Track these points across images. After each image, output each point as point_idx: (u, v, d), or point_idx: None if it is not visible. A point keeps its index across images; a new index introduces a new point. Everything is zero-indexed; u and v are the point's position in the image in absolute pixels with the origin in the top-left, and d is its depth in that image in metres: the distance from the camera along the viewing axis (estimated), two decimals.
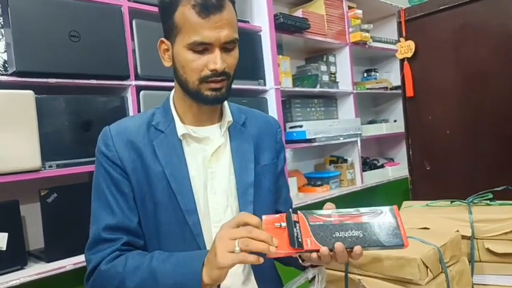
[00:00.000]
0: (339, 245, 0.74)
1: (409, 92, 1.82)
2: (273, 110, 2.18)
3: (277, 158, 1.06)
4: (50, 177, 1.38)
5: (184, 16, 0.85)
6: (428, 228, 1.12)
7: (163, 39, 0.93)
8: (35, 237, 1.50)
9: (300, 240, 0.74)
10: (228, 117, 0.98)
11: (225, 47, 0.88)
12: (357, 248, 0.74)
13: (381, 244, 0.74)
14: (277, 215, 0.78)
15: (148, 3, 1.67)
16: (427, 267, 0.88)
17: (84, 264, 1.23)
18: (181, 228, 0.90)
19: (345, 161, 2.68)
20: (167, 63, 0.94)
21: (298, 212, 0.77)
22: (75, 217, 1.38)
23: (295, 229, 0.75)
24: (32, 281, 1.26)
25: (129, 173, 0.90)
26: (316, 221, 0.76)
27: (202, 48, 0.86)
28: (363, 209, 0.79)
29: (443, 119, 1.73)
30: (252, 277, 0.98)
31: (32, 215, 1.49)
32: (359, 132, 2.64)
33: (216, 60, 0.86)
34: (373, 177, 2.75)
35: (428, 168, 1.77)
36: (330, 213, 0.78)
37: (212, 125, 0.98)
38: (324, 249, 0.74)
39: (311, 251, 0.74)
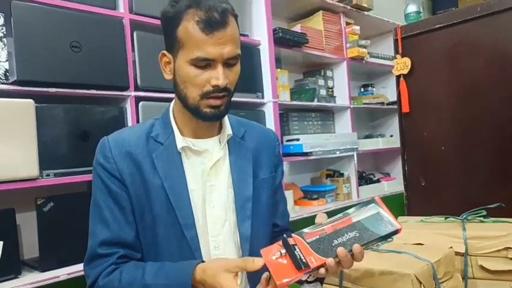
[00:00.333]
0: (340, 251, 0.75)
1: (405, 108, 1.85)
2: (271, 122, 2.19)
3: (276, 172, 1.06)
4: (47, 186, 1.38)
5: (188, 31, 0.85)
6: (422, 244, 1.13)
7: (165, 52, 0.93)
8: (30, 246, 1.50)
9: (304, 260, 0.75)
10: (228, 130, 0.98)
11: (228, 63, 0.88)
12: (356, 247, 0.75)
13: (378, 236, 0.76)
14: (274, 245, 0.79)
15: (149, 15, 1.69)
16: (420, 282, 0.89)
17: (78, 274, 1.23)
18: (179, 243, 0.90)
19: (341, 175, 2.69)
20: (168, 76, 0.93)
21: (293, 235, 0.79)
22: (71, 226, 1.38)
23: (296, 252, 0.75)
24: None
25: (128, 185, 0.90)
26: (311, 237, 0.78)
27: (205, 64, 0.86)
28: (349, 211, 0.81)
29: (438, 135, 1.75)
30: None
31: (27, 223, 1.49)
32: (355, 147, 2.66)
33: (218, 76, 0.86)
34: (369, 192, 2.76)
35: (423, 184, 1.78)
36: (321, 226, 0.79)
37: (211, 137, 0.98)
38: (330, 261, 0.75)
39: (318, 267, 0.75)
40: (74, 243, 1.37)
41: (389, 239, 0.81)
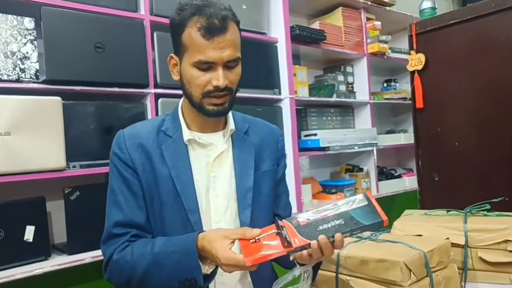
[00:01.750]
0: (321, 238, 0.81)
1: (419, 104, 1.85)
2: (287, 118, 2.25)
3: (278, 165, 1.13)
4: (74, 176, 1.50)
5: (191, 37, 0.93)
6: (421, 236, 1.16)
7: (172, 55, 1.02)
8: (59, 232, 1.63)
9: (288, 240, 0.82)
10: (231, 125, 1.06)
11: (228, 65, 0.96)
12: (337, 236, 0.81)
13: (361, 225, 0.81)
14: (272, 225, 0.88)
15: (169, 17, 1.78)
16: (410, 270, 0.92)
17: (101, 258, 1.34)
18: (184, 226, 0.98)
19: (361, 169, 2.71)
20: (175, 77, 1.03)
21: (283, 220, 0.87)
22: (96, 214, 1.49)
23: (283, 232, 0.83)
24: (54, 271, 1.38)
25: (140, 174, 0.99)
26: (299, 222, 0.84)
27: (206, 66, 0.94)
28: (339, 202, 0.86)
29: (452, 130, 1.75)
30: (248, 274, 1.05)
31: (57, 211, 1.62)
32: (375, 142, 2.67)
33: (218, 78, 0.94)
34: (389, 187, 2.76)
35: (436, 179, 1.79)
36: (311, 214, 0.85)
37: (216, 132, 1.06)
38: (314, 243, 0.81)
39: (300, 248, 0.82)
40: (97, 230, 1.46)
41: (374, 231, 0.85)
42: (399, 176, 2.93)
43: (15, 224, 1.36)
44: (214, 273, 0.91)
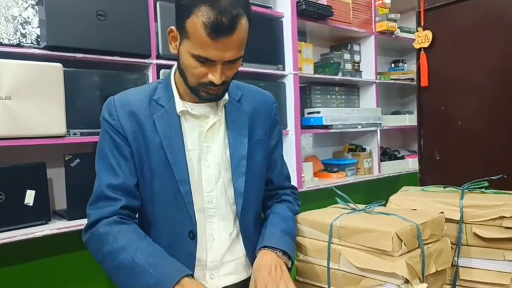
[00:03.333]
0: None
1: (424, 82, 1.82)
2: (291, 94, 2.23)
3: (271, 133, 1.12)
4: (74, 143, 1.52)
5: (195, 29, 0.87)
6: (415, 210, 1.15)
7: (173, 28, 0.96)
8: (60, 199, 1.66)
9: None
10: (225, 95, 1.04)
11: (228, 62, 0.92)
12: None
13: None
14: None
15: None
16: (401, 240, 0.93)
17: None
18: (174, 196, 0.98)
19: (364, 149, 2.70)
20: (173, 51, 0.98)
21: None
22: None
23: None
24: (54, 234, 1.41)
25: (130, 142, 0.98)
26: None
27: (205, 60, 0.90)
28: None
29: (456, 110, 1.72)
30: (241, 241, 1.06)
31: (57, 178, 1.64)
32: (379, 122, 2.65)
33: (215, 75, 0.92)
34: (391, 168, 2.75)
35: (438, 158, 1.77)
36: None
37: (209, 102, 1.04)
38: None
39: None
40: None
41: None
42: (402, 158, 2.91)
43: (16, 187, 1.39)
44: None
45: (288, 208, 1.13)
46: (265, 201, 1.16)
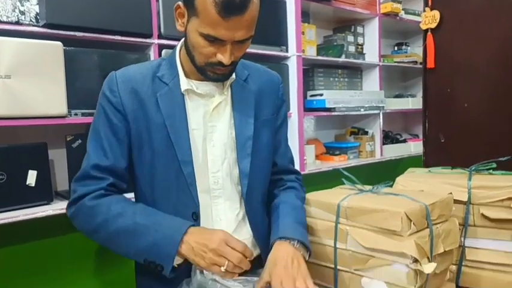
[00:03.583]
0: None
1: (430, 64, 1.79)
2: (294, 77, 2.20)
3: (277, 113, 1.10)
4: (75, 124, 1.50)
5: (206, 7, 0.83)
6: (423, 191, 1.14)
7: (180, 4, 0.91)
8: (62, 180, 1.64)
9: None
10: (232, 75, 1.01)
11: (238, 41, 0.89)
12: None
13: None
14: None
15: None
16: (410, 220, 0.92)
17: None
18: (176, 177, 0.96)
19: (366, 133, 2.69)
20: (180, 28, 0.94)
21: None
22: None
23: None
24: (56, 214, 1.40)
25: (130, 120, 0.95)
26: None
27: (214, 39, 0.87)
28: None
29: (462, 92, 1.70)
30: (247, 222, 1.05)
31: (59, 159, 1.62)
32: (382, 105, 2.63)
33: (225, 55, 0.88)
34: (393, 151, 2.74)
35: (442, 141, 1.76)
36: None
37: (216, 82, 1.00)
38: None
39: None
40: None
41: None
42: (404, 141, 2.90)
43: (18, 168, 1.37)
44: (179, 267, 0.89)
45: (296, 196, 1.09)
46: (269, 188, 1.13)
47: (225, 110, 1.02)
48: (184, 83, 0.97)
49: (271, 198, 1.11)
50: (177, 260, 0.87)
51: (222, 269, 0.80)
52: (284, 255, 0.92)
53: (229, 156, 1.01)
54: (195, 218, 0.97)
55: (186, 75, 0.99)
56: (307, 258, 0.97)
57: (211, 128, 1.00)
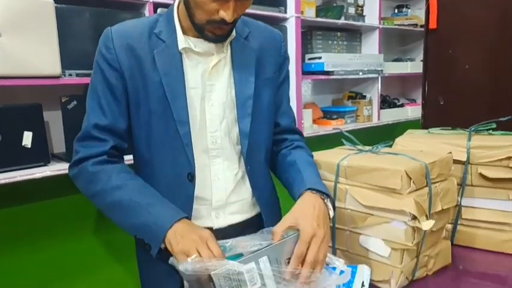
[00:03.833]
0: None
1: (432, 24, 1.75)
2: (292, 39, 2.16)
3: (279, 71, 1.07)
4: (70, 85, 1.46)
5: None
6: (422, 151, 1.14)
7: None
8: (58, 142, 1.63)
9: None
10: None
11: None
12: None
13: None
14: None
15: None
16: (410, 178, 0.92)
17: None
18: (172, 137, 0.94)
19: (364, 97, 2.67)
20: None
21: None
22: None
23: None
24: (54, 176, 1.40)
25: (126, 78, 0.92)
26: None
27: None
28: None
29: (464, 53, 1.68)
30: (247, 182, 1.05)
31: (55, 121, 1.60)
32: (380, 69, 2.59)
33: (228, 13, 0.85)
34: (391, 116, 2.74)
35: (442, 103, 1.75)
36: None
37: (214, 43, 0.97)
38: None
39: None
40: None
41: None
42: (402, 106, 2.89)
43: (12, 129, 1.35)
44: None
45: (308, 155, 1.08)
46: (274, 149, 1.11)
47: (224, 68, 0.99)
48: (182, 41, 0.94)
49: (279, 159, 1.10)
50: (163, 245, 0.85)
51: (189, 259, 0.76)
52: (315, 209, 0.87)
53: (228, 116, 0.99)
54: (190, 179, 0.96)
55: (184, 32, 0.95)
56: (331, 216, 0.93)
57: (210, 87, 0.97)
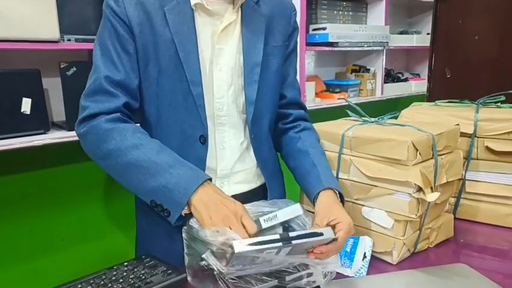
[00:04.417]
0: None
1: None
2: (297, 8, 2.09)
3: (288, 41, 1.04)
4: (69, 50, 1.43)
5: None
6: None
7: None
8: (58, 110, 1.60)
9: None
10: None
11: None
12: None
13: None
14: None
15: None
16: (417, 150, 0.90)
17: None
18: (185, 98, 0.91)
19: (367, 70, 2.62)
20: None
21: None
22: None
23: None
24: (53, 144, 1.38)
25: (136, 34, 0.88)
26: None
27: None
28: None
29: (474, 23, 1.63)
30: (251, 151, 1.03)
31: (54, 89, 1.57)
32: (386, 41, 2.54)
33: None
34: (394, 90, 2.70)
35: (448, 76, 1.72)
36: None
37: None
38: None
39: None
40: None
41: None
42: (406, 80, 2.85)
43: (11, 95, 1.32)
44: (185, 217, 0.82)
45: (317, 140, 1.06)
46: (279, 125, 1.09)
47: (233, 32, 0.96)
48: None
49: (286, 141, 1.08)
50: (186, 210, 0.81)
51: (220, 238, 0.72)
52: (339, 207, 0.89)
53: (236, 82, 0.97)
54: (203, 142, 0.94)
55: None
56: None
57: (219, 51, 0.94)
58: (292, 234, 0.73)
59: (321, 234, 0.76)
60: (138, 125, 0.94)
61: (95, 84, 0.88)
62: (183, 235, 0.80)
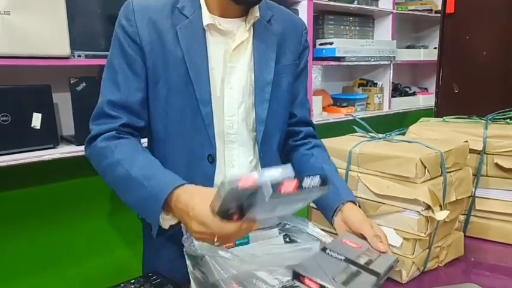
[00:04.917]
0: None
1: (450, 8, 1.71)
2: (304, 23, 2.11)
3: (299, 60, 1.05)
4: (79, 66, 1.45)
5: None
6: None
7: None
8: (67, 125, 1.62)
9: None
10: (256, 12, 0.94)
11: None
12: None
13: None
14: None
15: None
16: (425, 167, 0.90)
17: None
18: (193, 116, 0.92)
19: (375, 84, 2.62)
20: None
21: None
22: None
23: None
24: (62, 158, 1.39)
25: (146, 53, 0.89)
26: None
27: None
28: None
29: (481, 39, 1.63)
30: (260, 170, 1.03)
31: (64, 103, 1.59)
32: (393, 56, 2.54)
33: None
34: (402, 104, 2.69)
35: (456, 91, 1.71)
36: None
37: (238, 18, 0.95)
38: None
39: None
40: None
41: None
42: (413, 94, 2.84)
43: (22, 110, 1.34)
44: (171, 229, 0.81)
45: (328, 157, 1.06)
46: (288, 142, 1.09)
47: (245, 50, 0.96)
48: (207, 17, 0.91)
49: (298, 157, 1.08)
50: (167, 220, 0.79)
51: (216, 244, 0.72)
52: (365, 217, 0.90)
53: (247, 101, 0.97)
54: (211, 161, 0.94)
55: (209, 9, 0.92)
56: None
57: (230, 69, 0.95)
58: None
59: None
60: (134, 139, 0.92)
61: (98, 109, 0.91)
62: (184, 253, 0.80)
